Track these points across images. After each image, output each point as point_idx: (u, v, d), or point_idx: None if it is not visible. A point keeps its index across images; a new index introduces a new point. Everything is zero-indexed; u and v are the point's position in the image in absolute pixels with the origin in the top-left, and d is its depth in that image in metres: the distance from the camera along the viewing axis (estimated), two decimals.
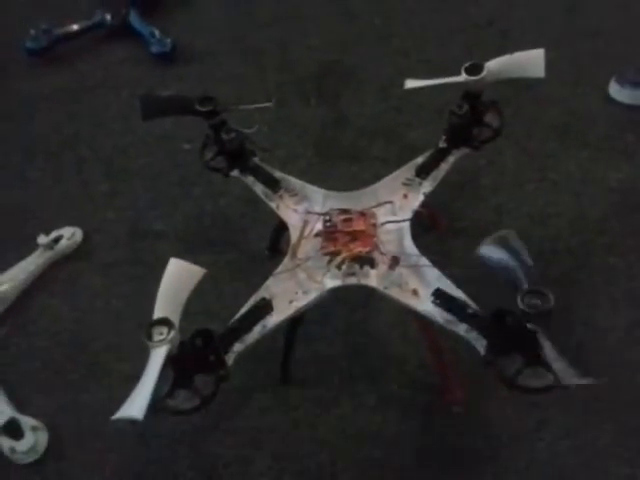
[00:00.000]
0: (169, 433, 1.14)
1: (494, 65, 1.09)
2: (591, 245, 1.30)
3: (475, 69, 1.09)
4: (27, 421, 1.16)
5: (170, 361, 0.84)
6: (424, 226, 1.27)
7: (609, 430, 1.07)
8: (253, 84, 1.80)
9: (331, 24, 1.95)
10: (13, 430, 1.14)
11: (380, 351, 1.21)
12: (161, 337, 0.83)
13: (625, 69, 1.59)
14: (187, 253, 1.40)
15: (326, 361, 1.21)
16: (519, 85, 1.50)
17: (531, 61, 1.10)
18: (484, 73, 1.08)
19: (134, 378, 0.82)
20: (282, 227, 1.25)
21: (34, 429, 1.15)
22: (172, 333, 0.83)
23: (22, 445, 1.13)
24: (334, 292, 0.98)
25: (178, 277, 0.90)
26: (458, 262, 1.17)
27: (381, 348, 1.22)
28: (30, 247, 1.43)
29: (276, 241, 1.33)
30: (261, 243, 1.39)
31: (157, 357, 0.82)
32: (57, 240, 1.46)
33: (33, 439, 1.14)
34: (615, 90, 1.58)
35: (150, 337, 0.83)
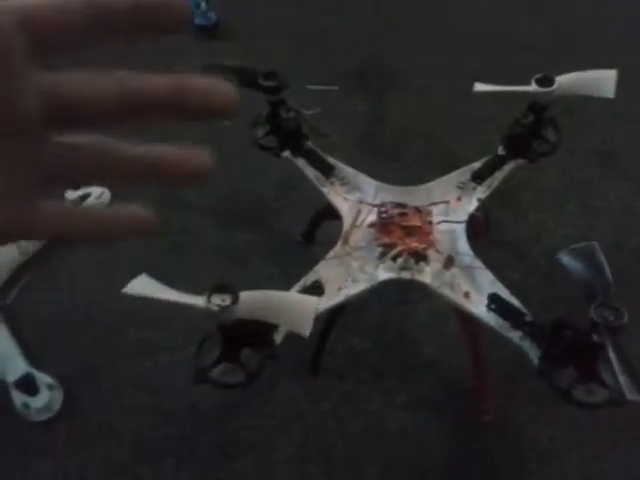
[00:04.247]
0: (191, 409, 1.11)
1: (564, 80, 1.09)
2: (627, 273, 1.30)
3: (545, 81, 1.08)
4: (42, 378, 1.12)
5: (220, 331, 0.82)
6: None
7: None
8: (294, 70, 1.78)
9: (379, 19, 1.94)
10: (28, 385, 1.11)
11: (414, 350, 1.20)
12: (222, 302, 0.79)
13: None
14: (217, 229, 1.37)
15: (358, 355, 1.19)
16: (561, 108, 1.50)
17: (602, 81, 1.09)
18: (555, 86, 1.07)
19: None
20: (324, 215, 1.23)
21: (49, 387, 1.12)
22: (231, 303, 0.80)
23: (36, 401, 1.10)
24: (384, 284, 0.96)
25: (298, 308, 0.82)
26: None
27: (415, 347, 1.20)
28: None
29: (314, 228, 1.30)
30: (293, 228, 1.37)
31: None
32: (84, 198, 1.42)
33: (48, 396, 1.11)
34: None
35: (209, 299, 0.80)
